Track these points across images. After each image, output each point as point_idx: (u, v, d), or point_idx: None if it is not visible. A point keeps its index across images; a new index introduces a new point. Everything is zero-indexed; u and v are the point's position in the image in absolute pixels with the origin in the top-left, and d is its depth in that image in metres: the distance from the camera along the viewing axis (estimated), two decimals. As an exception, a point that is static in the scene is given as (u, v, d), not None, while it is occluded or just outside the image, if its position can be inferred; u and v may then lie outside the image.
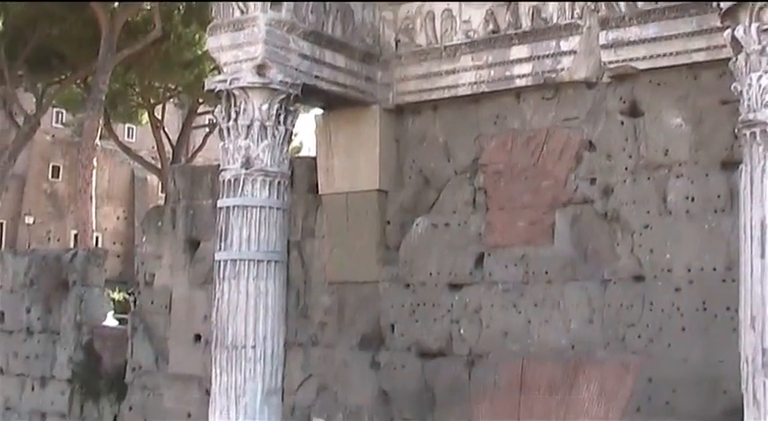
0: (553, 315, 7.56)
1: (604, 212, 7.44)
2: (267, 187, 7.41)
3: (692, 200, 7.04)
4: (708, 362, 6.81)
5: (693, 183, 7.05)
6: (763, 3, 5.53)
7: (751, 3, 5.57)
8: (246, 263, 7.30)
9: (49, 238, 48.26)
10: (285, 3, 7.56)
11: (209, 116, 34.74)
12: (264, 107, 7.41)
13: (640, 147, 7.32)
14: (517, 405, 7.62)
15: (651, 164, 7.25)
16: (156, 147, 36.46)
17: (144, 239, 10.76)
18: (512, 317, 7.75)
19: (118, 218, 51.25)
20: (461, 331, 8.00)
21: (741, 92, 5.70)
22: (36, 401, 11.69)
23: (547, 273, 7.63)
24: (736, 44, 5.70)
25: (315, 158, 8.99)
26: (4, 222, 46.52)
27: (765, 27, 5.55)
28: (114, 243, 47.73)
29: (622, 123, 7.42)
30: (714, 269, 6.88)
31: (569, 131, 7.68)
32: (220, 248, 7.45)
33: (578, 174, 7.60)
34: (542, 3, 7.70)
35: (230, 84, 7.46)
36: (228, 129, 7.51)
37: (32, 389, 11.77)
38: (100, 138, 28.13)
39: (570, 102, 7.70)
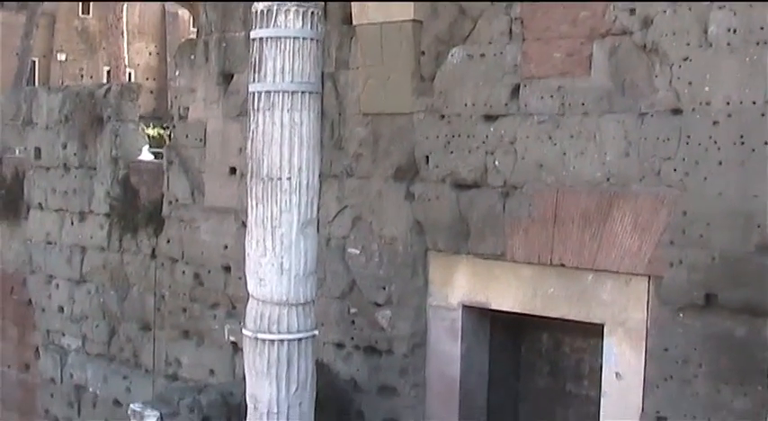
0: (588, 147, 7.51)
1: (643, 44, 7.27)
2: (300, 18, 7.28)
3: (734, 32, 6.84)
4: (743, 196, 6.77)
5: (736, 14, 6.84)
6: None
7: None
8: (281, 94, 7.25)
9: (81, 75, 48.27)
10: None
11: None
12: (296, -66, 7.24)
13: (682, -25, 7.11)
14: (551, 236, 7.67)
15: (693, -7, 7.06)
16: (186, -19, 35.95)
17: (177, 73, 10.72)
18: (547, 148, 7.71)
19: (150, 53, 50.98)
20: (496, 163, 7.99)
21: None
22: (76, 235, 11.92)
23: (583, 104, 7.53)
24: None
25: (349, -11, 8.83)
26: (37, 60, 46.39)
27: None
28: (147, 79, 47.69)
29: (664, -50, 7.19)
30: (753, 102, 6.75)
31: (609, -41, 7.46)
32: (254, 80, 7.39)
33: (617, 4, 7.41)
34: None
35: None
36: (260, -41, 7.36)
37: (72, 223, 11.98)
38: (129, -28, 27.78)
39: (611, -73, 7.45)
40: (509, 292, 8.04)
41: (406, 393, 8.63)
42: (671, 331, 7.14)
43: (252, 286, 7.47)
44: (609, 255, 7.39)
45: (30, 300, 12.59)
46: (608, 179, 7.41)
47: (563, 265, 7.65)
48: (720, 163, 6.89)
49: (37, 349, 12.53)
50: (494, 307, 8.19)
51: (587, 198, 7.49)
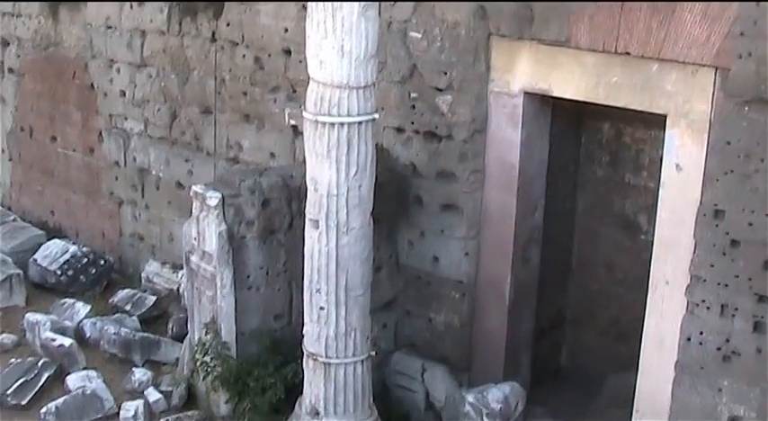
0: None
1: None
2: None
3: None
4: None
5: None
6: None
7: None
8: None
9: None
10: None
11: None
12: None
13: None
14: (617, 24, 7.47)
15: None
16: None
17: None
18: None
19: None
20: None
21: None
22: (135, 19, 11.81)
23: None
24: None
25: None
26: None
27: None
28: None
29: None
30: None
31: None
32: None
33: None
34: None
35: None
36: None
37: (131, 7, 11.86)
38: None
39: None
40: (571, 80, 7.92)
41: (465, 179, 8.69)
42: (735, 124, 7.05)
43: (312, 69, 7.43)
44: (676, 45, 7.22)
45: (92, 85, 12.66)
46: (680, -17, 7.15)
47: (628, 54, 7.50)
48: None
49: (100, 133, 12.70)
50: (555, 94, 8.10)
51: (655, -7, 7.26)
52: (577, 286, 9.48)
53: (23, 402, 9.50)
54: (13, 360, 10.09)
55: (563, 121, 8.76)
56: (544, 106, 8.47)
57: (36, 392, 9.59)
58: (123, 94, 12.21)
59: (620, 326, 9.06)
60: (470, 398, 8.28)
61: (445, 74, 8.62)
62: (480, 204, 8.69)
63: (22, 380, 9.63)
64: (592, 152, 9.08)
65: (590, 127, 9.03)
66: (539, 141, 8.59)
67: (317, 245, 7.71)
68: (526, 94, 8.26)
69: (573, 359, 9.70)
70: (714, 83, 7.15)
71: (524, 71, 8.20)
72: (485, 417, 8.15)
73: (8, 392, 9.51)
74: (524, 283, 8.91)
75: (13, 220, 13.53)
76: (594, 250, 9.27)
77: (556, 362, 9.71)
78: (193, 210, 8.76)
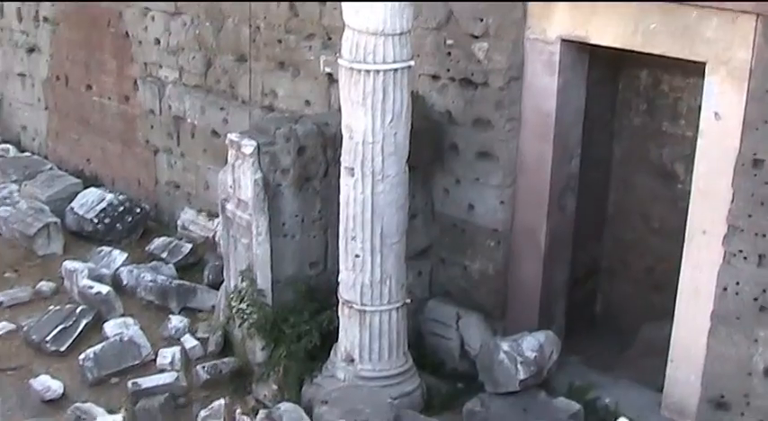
0: None
1: None
2: None
3: None
4: None
5: None
6: None
7: None
8: None
9: None
10: None
11: None
12: None
13: None
14: (657, -31, 7.39)
15: None
16: None
17: None
18: None
19: None
20: None
21: None
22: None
23: None
24: None
25: None
26: None
27: None
28: None
29: None
30: None
31: None
32: None
33: None
34: None
35: None
36: None
37: (165, -47, 11.83)
38: None
39: None
40: (609, 27, 7.82)
41: (501, 126, 8.63)
42: (776, 71, 6.97)
43: (347, 16, 7.40)
44: (716, -10, 7.13)
45: (126, 33, 12.65)
46: None
47: (667, 0, 7.39)
48: None
49: (135, 81, 12.70)
50: (593, 41, 8.00)
51: None
52: (613, 235, 9.44)
53: (62, 348, 9.64)
54: (51, 307, 10.23)
55: (600, 69, 8.67)
56: (581, 53, 8.38)
57: (74, 339, 9.73)
58: (158, 42, 12.19)
59: (656, 276, 9.03)
60: (505, 346, 8.30)
61: (481, 20, 8.52)
62: (516, 152, 8.64)
63: (60, 327, 9.78)
64: (629, 100, 8.99)
65: (627, 74, 8.93)
66: (575, 89, 8.51)
67: (352, 192, 7.73)
68: (563, 41, 8.16)
69: (608, 308, 9.69)
70: (755, 29, 7.04)
71: (561, 18, 8.09)
72: (519, 366, 8.16)
73: (47, 339, 9.66)
74: (559, 232, 8.88)
75: (50, 169, 13.63)
76: (630, 199, 9.21)
77: (590, 310, 9.71)
78: (229, 158, 8.78)
